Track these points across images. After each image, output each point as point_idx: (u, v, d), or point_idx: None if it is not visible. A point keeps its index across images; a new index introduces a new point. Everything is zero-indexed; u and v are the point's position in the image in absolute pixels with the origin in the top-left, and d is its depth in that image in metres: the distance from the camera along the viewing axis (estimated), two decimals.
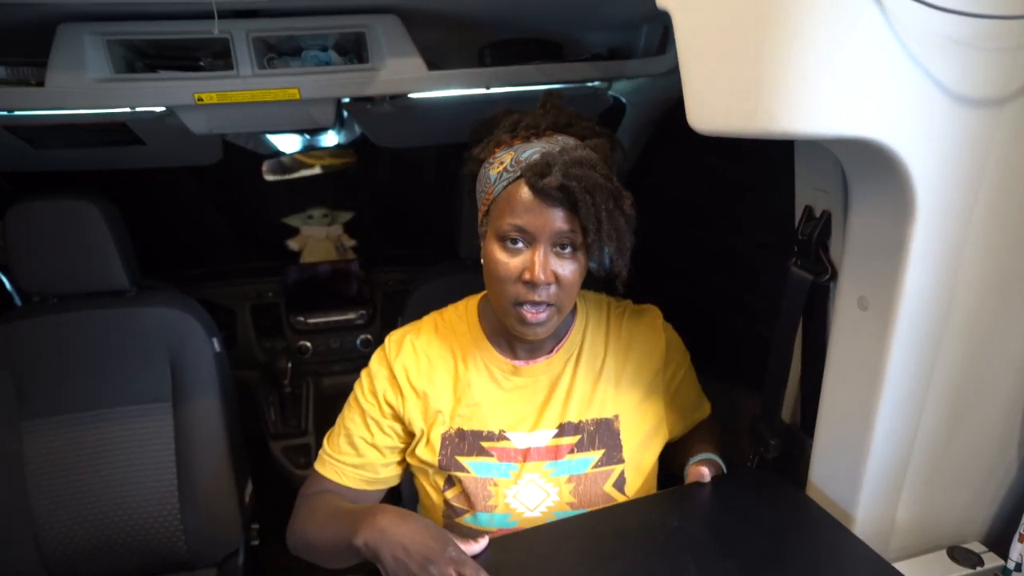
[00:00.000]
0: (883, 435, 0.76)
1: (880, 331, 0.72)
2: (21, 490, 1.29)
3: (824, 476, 0.86)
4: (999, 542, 0.81)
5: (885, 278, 0.70)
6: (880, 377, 0.73)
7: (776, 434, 1.00)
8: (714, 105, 0.65)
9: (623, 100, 1.52)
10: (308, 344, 1.86)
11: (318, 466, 0.96)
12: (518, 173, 0.80)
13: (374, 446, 0.94)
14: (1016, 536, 0.76)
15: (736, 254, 1.46)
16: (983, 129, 0.63)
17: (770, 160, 1.01)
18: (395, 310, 1.57)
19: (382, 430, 0.94)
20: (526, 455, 0.91)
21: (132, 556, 1.35)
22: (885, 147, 0.61)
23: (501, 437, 0.91)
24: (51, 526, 1.30)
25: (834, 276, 0.82)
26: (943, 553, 0.80)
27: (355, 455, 0.94)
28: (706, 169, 1.49)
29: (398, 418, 0.94)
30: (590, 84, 1.42)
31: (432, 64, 1.12)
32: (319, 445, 1.78)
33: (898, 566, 0.77)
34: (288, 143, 1.61)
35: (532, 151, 0.82)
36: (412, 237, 2.05)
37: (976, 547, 0.80)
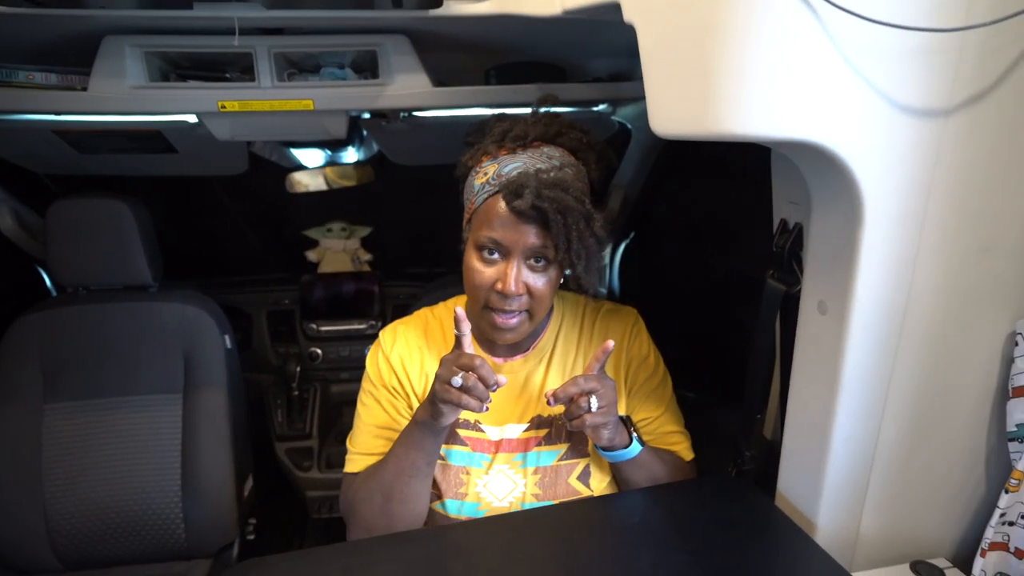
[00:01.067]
0: (842, 441, 0.77)
1: (837, 334, 0.74)
2: (36, 469, 1.37)
3: (789, 483, 0.87)
4: (967, 560, 0.80)
5: (841, 281, 0.73)
6: (837, 380, 0.75)
7: (753, 447, 1.00)
8: (671, 110, 0.70)
9: (628, 126, 1.58)
10: (319, 351, 1.93)
11: (350, 468, 0.98)
12: (497, 188, 0.85)
13: (397, 431, 0.96)
14: (979, 551, 0.75)
15: (739, 275, 1.48)
16: (929, 138, 0.66)
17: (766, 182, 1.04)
18: None
19: (400, 412, 0.98)
20: (498, 446, 0.94)
21: (133, 541, 1.40)
22: (829, 151, 0.64)
23: (476, 427, 0.95)
24: (60, 505, 1.37)
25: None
26: (906, 567, 0.79)
27: (383, 444, 0.96)
28: (708, 192, 1.52)
29: (406, 399, 0.98)
30: (595, 109, 1.48)
31: (441, 84, 1.20)
32: (322, 449, 1.84)
33: None
34: (311, 158, 1.71)
35: (513, 166, 0.86)
36: (426, 254, 2.12)
37: (940, 562, 0.79)
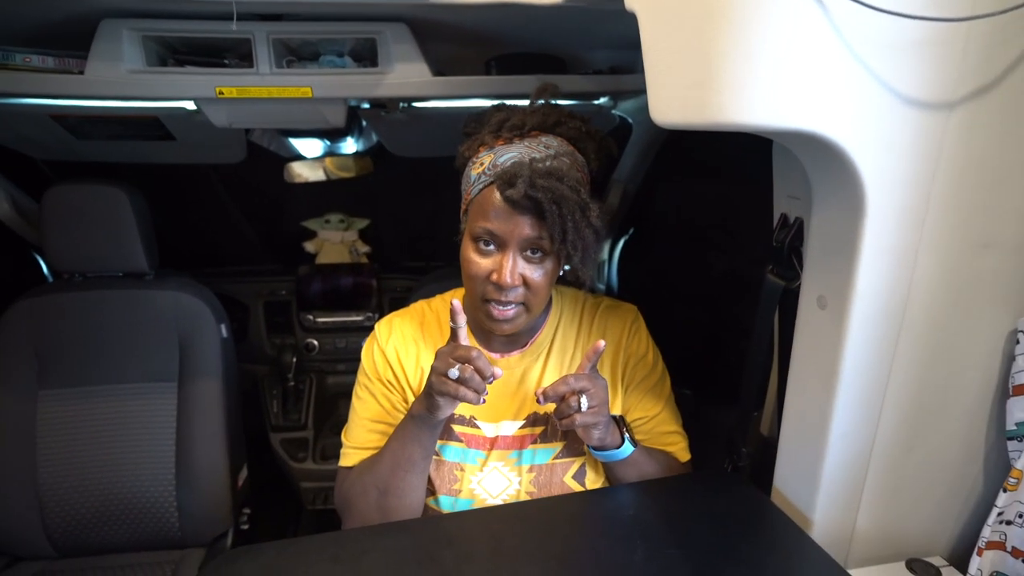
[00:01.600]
0: (840, 436, 0.76)
1: (836, 329, 0.73)
2: (31, 456, 1.37)
3: (786, 479, 0.86)
4: (964, 559, 0.79)
5: (841, 276, 0.72)
6: (835, 376, 0.74)
7: (749, 443, 1.00)
8: (672, 99, 0.69)
9: (629, 120, 1.57)
10: (315, 342, 1.92)
11: (345, 462, 0.98)
12: (491, 179, 0.84)
13: (392, 425, 0.95)
14: (975, 550, 0.75)
15: (740, 276, 1.47)
16: (933, 130, 0.65)
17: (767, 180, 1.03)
18: None
19: (395, 406, 0.97)
20: (493, 443, 0.93)
21: (127, 529, 1.40)
22: (831, 143, 0.64)
23: (471, 423, 0.94)
24: (54, 492, 1.37)
25: None
26: (901, 564, 0.78)
27: (377, 438, 0.96)
28: (710, 192, 1.52)
29: (401, 393, 0.97)
30: (596, 102, 1.47)
31: (441, 74, 1.19)
32: (317, 440, 1.84)
33: (855, 573, 0.76)
34: (309, 147, 1.70)
35: (508, 156, 0.85)
36: (424, 248, 2.11)
37: (937, 561, 0.79)
